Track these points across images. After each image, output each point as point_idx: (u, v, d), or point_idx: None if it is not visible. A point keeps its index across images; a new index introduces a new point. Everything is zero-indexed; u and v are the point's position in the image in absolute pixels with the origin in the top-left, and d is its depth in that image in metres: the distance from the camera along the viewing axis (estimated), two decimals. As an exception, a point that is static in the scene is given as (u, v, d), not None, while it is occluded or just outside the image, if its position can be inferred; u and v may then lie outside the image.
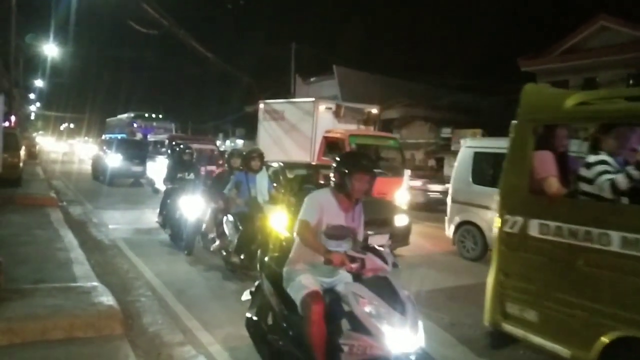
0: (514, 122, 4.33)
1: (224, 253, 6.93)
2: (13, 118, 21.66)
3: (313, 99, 13.53)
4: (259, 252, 6.06)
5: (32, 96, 43.41)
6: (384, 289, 2.93)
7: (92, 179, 20.13)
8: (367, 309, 2.86)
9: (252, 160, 6.90)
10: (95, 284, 5.08)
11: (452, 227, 8.85)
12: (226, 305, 5.50)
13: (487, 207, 8.07)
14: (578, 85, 20.05)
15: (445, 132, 24.29)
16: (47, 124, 69.98)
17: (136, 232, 9.52)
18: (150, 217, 11.56)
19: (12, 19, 19.22)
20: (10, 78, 21.52)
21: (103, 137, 27.99)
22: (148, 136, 23.10)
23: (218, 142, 30.70)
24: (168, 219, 8.49)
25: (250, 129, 36.91)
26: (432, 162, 24.42)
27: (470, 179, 8.55)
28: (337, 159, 3.44)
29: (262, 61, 30.51)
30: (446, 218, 9.03)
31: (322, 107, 12.94)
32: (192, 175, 8.43)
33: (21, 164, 13.81)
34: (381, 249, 3.21)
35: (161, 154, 15.89)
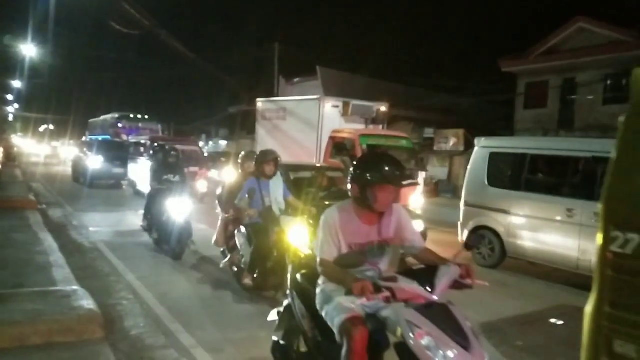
0: (621, 117, 3.48)
1: (235, 269, 6.28)
2: (-10, 120, 21.25)
3: (318, 96, 12.72)
4: (289, 268, 5.47)
5: (10, 97, 42.64)
6: (443, 318, 2.46)
7: (72, 181, 19.86)
8: (424, 341, 2.38)
9: (265, 164, 5.97)
10: (75, 287, 5.01)
11: (466, 233, 8.23)
12: (208, 307, 5.47)
13: (505, 211, 7.68)
14: (558, 85, 20.39)
15: (428, 132, 24.48)
16: (27, 126, 68.74)
17: (117, 234, 9.41)
18: (132, 219, 11.45)
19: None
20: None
21: (84, 138, 27.49)
22: (129, 137, 22.80)
23: (201, 143, 30.44)
24: (154, 223, 8.21)
25: (233, 130, 36.74)
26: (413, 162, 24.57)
27: (486, 181, 8.02)
28: (354, 165, 2.86)
29: (245, 62, 30.30)
30: (459, 223, 8.43)
31: (328, 105, 12.18)
32: (177, 178, 8.17)
33: (-1, 167, 13.55)
34: (447, 266, 2.66)
35: (143, 155, 15.71)
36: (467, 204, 8.35)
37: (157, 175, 8.20)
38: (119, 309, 5.11)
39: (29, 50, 25.13)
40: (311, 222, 5.51)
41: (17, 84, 36.48)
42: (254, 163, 6.32)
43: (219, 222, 6.84)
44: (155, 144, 14.70)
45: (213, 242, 6.92)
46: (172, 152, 8.39)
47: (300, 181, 7.72)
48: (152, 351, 4.17)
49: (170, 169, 8.21)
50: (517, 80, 22.10)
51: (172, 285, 6.32)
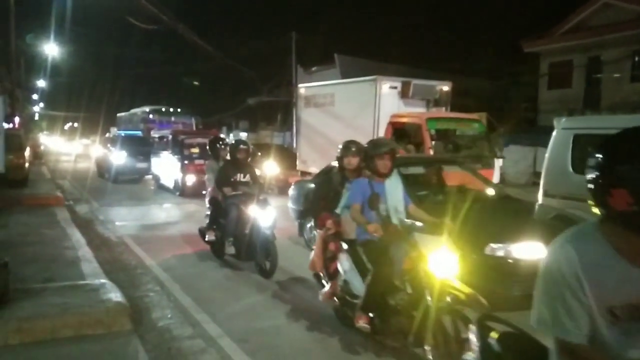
0: None
1: (337, 301, 4.61)
2: (17, 119, 21.75)
3: (375, 77, 11.12)
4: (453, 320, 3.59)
5: (35, 97, 43.56)
6: None
7: (97, 177, 20.21)
8: None
9: (378, 159, 4.19)
10: (103, 281, 5.11)
11: None
12: (234, 298, 5.50)
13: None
14: (583, 64, 19.85)
15: (450, 116, 24.18)
16: (52, 124, 70.23)
17: (143, 228, 9.54)
18: (157, 213, 11.62)
19: (11, 19, 19.20)
20: (12, 79, 21.57)
21: (107, 134, 27.68)
22: (152, 132, 22.93)
23: (221, 136, 30.43)
24: (228, 236, 6.62)
25: (253, 122, 36.86)
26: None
27: (570, 168, 6.90)
28: (607, 153, 1.57)
29: (262, 53, 30.27)
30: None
31: (385, 86, 10.79)
32: (248, 177, 6.80)
33: (27, 165, 13.87)
34: None
35: (165, 149, 15.86)
36: (547, 194, 7.25)
37: (226, 176, 6.70)
38: (146, 301, 5.19)
39: (51, 49, 25.58)
40: (462, 243, 4.05)
41: (41, 83, 37.25)
42: (355, 157, 4.84)
43: (316, 240, 5.12)
44: (218, 138, 13.74)
45: (309, 266, 5.05)
46: (242, 146, 6.84)
47: (409, 180, 5.85)
48: (179, 341, 4.22)
49: (239, 167, 6.77)
50: (540, 61, 21.59)
51: (196, 275, 6.34)
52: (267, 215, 6.20)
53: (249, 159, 6.93)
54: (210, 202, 7.08)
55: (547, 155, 7.49)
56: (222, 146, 7.34)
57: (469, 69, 26.88)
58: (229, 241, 6.65)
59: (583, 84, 20.14)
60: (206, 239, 7.01)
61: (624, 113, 15.56)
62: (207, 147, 7.55)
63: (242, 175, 6.74)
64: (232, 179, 6.65)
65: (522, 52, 21.43)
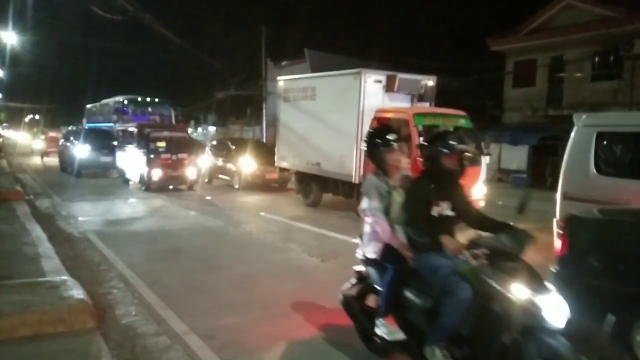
0: None
1: None
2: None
3: (359, 70, 10.68)
4: None
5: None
6: None
7: (59, 171, 19.65)
8: None
9: None
10: (64, 277, 4.96)
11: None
12: (201, 294, 5.44)
13: (620, 205, 5.82)
14: (546, 63, 20.38)
15: (417, 113, 24.41)
16: (12, 116, 67.67)
17: (107, 223, 9.32)
18: (121, 208, 11.37)
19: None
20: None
21: (70, 127, 26.66)
22: (116, 124, 22.21)
23: (189, 130, 29.89)
24: (444, 336, 3.16)
25: (222, 116, 36.46)
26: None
27: (593, 169, 6.33)
28: None
29: (231, 46, 29.81)
30: (554, 220, 6.45)
31: (370, 80, 10.46)
32: (450, 209, 3.52)
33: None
34: None
35: (131, 143, 15.46)
36: (566, 197, 6.55)
37: (426, 206, 3.41)
38: (109, 298, 5.08)
39: (9, 37, 24.59)
40: None
41: (-1, 73, 35.79)
42: None
43: None
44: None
45: None
46: (450, 143, 3.39)
47: None
48: (144, 338, 4.15)
49: (441, 188, 3.46)
50: (505, 59, 22.05)
51: (162, 271, 6.24)
52: (553, 309, 2.85)
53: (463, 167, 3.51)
54: (385, 257, 3.59)
55: (566, 154, 6.85)
56: (394, 143, 3.70)
57: (436, 67, 27.24)
58: (438, 348, 3.15)
59: (546, 83, 20.68)
60: (378, 334, 3.55)
61: (585, 111, 16.04)
62: (365, 144, 3.86)
63: (446, 204, 3.47)
64: (433, 214, 3.44)
65: (488, 50, 21.84)
